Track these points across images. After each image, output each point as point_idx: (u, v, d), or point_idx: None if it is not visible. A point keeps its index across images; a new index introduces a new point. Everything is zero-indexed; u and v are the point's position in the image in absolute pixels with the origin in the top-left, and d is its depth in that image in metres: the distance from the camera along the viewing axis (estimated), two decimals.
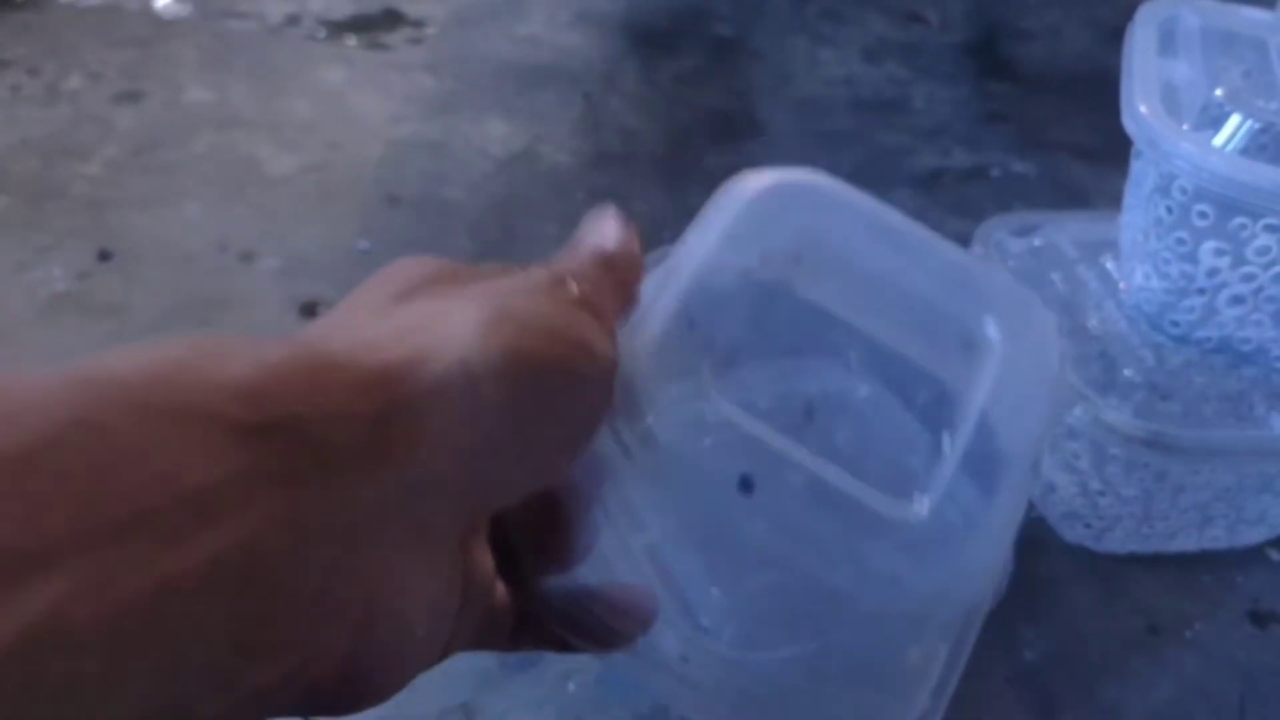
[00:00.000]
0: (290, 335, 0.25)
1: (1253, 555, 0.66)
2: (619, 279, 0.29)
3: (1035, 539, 0.65)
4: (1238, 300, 0.57)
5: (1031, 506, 0.67)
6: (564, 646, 0.33)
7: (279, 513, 0.21)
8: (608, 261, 0.29)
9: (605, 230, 0.30)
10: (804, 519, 0.29)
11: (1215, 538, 0.65)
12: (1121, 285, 0.64)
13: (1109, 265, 0.67)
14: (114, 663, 0.19)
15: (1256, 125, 0.54)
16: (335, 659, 0.23)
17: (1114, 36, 0.67)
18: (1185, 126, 0.55)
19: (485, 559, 0.30)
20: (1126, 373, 0.59)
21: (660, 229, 0.88)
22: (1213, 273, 0.56)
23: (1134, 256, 0.61)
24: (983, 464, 0.32)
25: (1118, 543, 0.64)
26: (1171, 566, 0.64)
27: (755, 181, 0.34)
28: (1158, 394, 0.58)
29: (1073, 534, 0.65)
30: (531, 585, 0.31)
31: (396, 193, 0.91)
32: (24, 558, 0.18)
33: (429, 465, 0.23)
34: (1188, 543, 0.65)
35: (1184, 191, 0.55)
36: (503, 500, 0.27)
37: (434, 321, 0.25)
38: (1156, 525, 0.63)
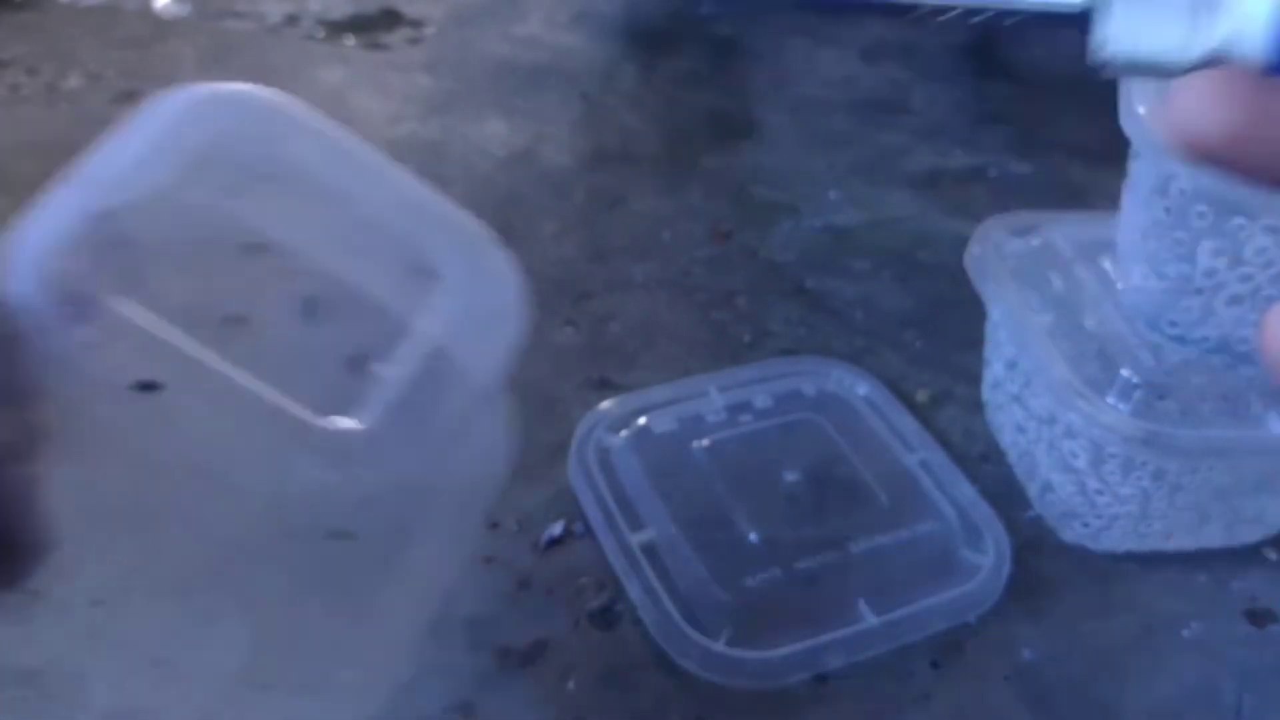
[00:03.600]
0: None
1: (1250, 554, 0.66)
2: None
3: (1033, 538, 0.65)
4: (1235, 300, 0.57)
5: (1029, 505, 0.67)
6: None
7: None
8: None
9: None
10: (220, 426, 0.29)
11: (1212, 537, 0.65)
12: (1119, 285, 0.64)
13: (1107, 265, 0.67)
14: None
15: None
16: None
17: None
18: None
19: None
20: (1124, 372, 0.59)
21: (659, 228, 0.89)
22: (1210, 273, 0.57)
23: (1132, 256, 0.61)
24: (435, 388, 0.33)
25: (1115, 542, 0.64)
26: (1169, 565, 0.64)
27: (188, 94, 0.33)
28: (1155, 393, 0.59)
29: (1070, 533, 0.65)
30: None
31: None
32: None
33: None
34: (1185, 542, 0.65)
35: (1182, 192, 0.55)
36: None
37: None
38: (1154, 524, 0.63)
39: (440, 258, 0.36)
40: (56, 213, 0.29)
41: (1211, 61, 0.21)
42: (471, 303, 0.35)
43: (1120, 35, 0.22)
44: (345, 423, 0.31)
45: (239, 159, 0.33)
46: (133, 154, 0.31)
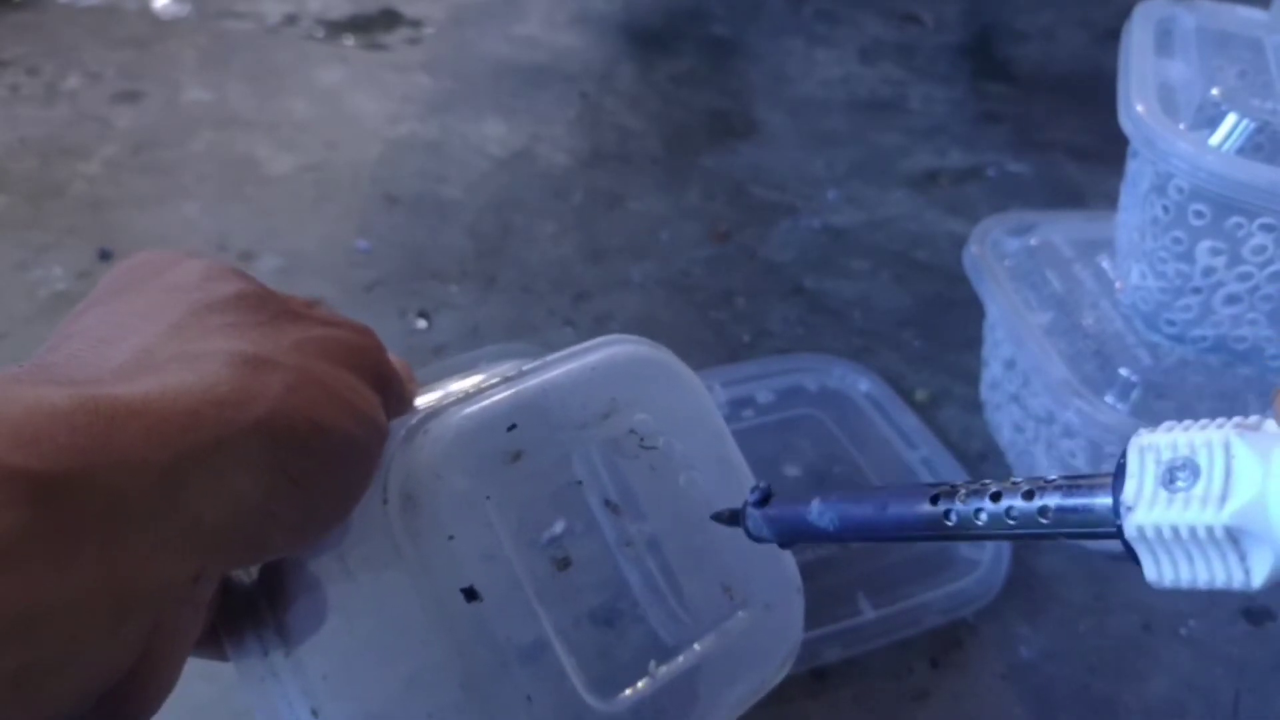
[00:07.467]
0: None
1: None
2: (405, 389, 0.33)
3: None
4: (1233, 299, 0.57)
5: None
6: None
7: (53, 574, 0.20)
8: (405, 369, 0.34)
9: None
10: (505, 665, 0.30)
11: None
12: (1117, 284, 0.64)
13: (1105, 264, 0.67)
14: None
15: (1253, 125, 0.54)
16: (97, 709, 0.23)
17: (1107, 37, 0.67)
18: (1182, 126, 0.55)
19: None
20: (1122, 371, 0.59)
21: (657, 228, 0.89)
22: (1209, 272, 0.57)
23: (1130, 256, 0.61)
24: (681, 694, 0.34)
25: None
26: None
27: (629, 347, 0.36)
28: (1153, 392, 0.59)
29: None
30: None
31: (394, 192, 0.91)
32: None
33: (215, 517, 0.23)
34: None
35: (1180, 191, 0.55)
36: (270, 557, 0.27)
37: (242, 371, 0.25)
38: None
39: (747, 588, 0.38)
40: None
41: None
42: (746, 643, 0.36)
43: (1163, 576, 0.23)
44: (613, 702, 0.33)
45: (646, 426, 0.36)
46: (566, 376, 0.34)
